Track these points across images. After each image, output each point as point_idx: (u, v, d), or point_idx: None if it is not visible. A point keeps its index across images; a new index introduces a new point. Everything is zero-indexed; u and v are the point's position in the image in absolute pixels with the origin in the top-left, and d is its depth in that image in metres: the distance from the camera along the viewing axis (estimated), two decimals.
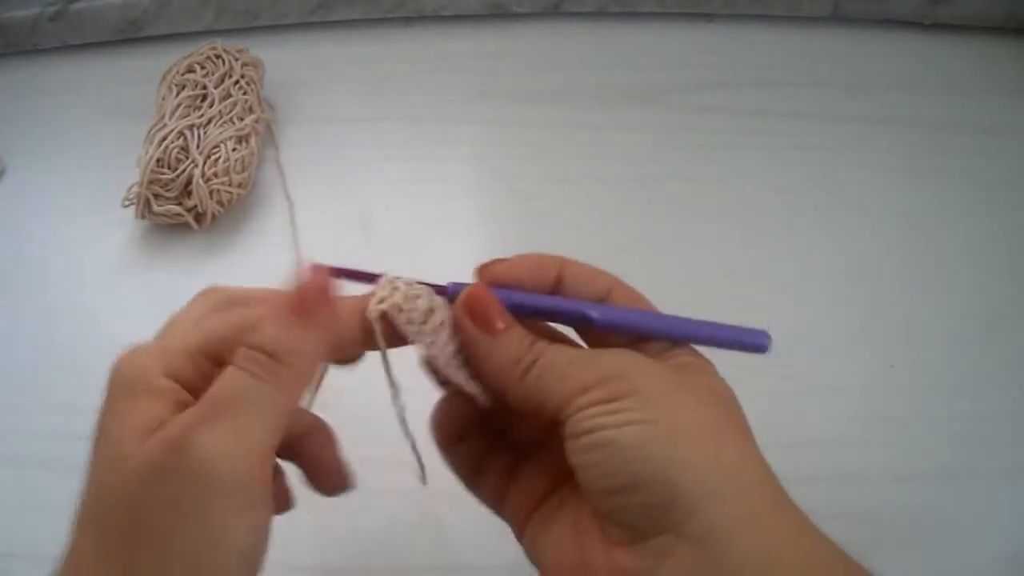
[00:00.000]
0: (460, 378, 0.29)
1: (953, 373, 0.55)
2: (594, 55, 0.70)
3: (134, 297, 0.58)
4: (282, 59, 0.69)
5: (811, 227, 0.62)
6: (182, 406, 0.26)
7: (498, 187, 0.63)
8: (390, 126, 0.65)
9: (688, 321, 0.29)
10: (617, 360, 0.27)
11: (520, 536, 0.32)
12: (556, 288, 0.30)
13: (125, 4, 0.67)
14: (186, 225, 0.59)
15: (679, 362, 0.29)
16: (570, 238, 0.61)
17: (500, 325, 0.28)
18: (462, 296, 0.29)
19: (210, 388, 0.26)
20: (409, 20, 0.74)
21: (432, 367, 0.31)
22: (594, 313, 0.29)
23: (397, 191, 0.63)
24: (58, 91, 0.68)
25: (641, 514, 0.25)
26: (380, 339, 0.29)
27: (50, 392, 0.54)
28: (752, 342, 0.29)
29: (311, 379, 0.28)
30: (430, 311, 0.29)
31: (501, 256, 0.31)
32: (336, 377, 0.55)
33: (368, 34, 0.73)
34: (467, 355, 0.29)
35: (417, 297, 0.29)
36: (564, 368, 0.27)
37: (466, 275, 0.63)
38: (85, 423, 0.55)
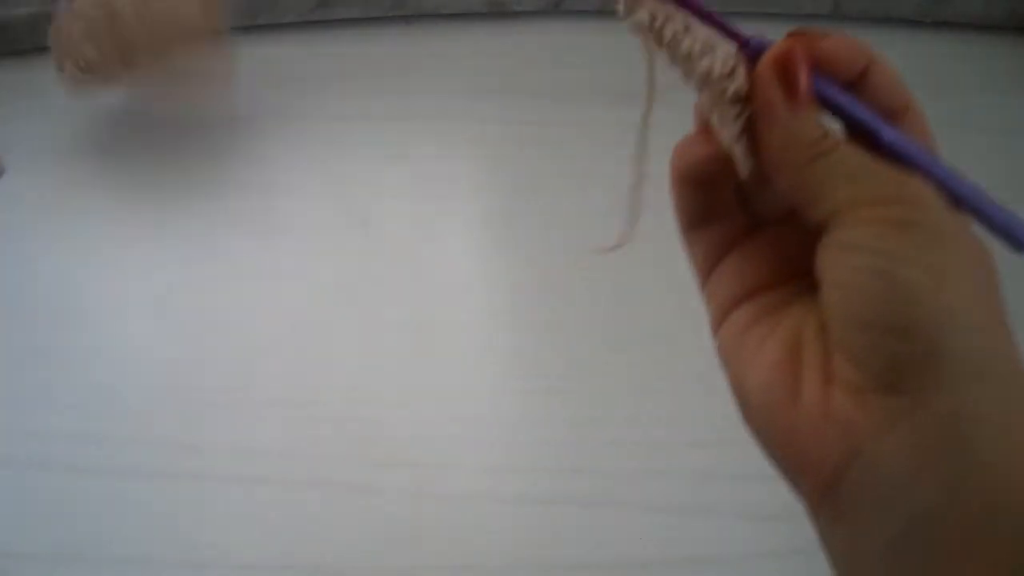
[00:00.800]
0: (731, 137, 0.26)
1: None
2: (595, 54, 0.70)
3: (133, 296, 0.58)
4: (282, 58, 0.69)
5: None
6: None
7: (498, 186, 0.63)
8: (390, 125, 0.65)
9: (968, 185, 0.25)
10: (918, 184, 0.24)
11: (716, 327, 0.28)
12: (856, 83, 0.26)
13: None
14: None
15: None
16: (569, 237, 0.61)
17: (806, 96, 0.25)
18: (776, 51, 0.26)
19: None
20: (409, 19, 0.74)
21: (703, 118, 0.29)
22: (886, 135, 0.25)
23: (397, 190, 0.63)
24: (58, 91, 0.68)
25: (893, 363, 0.22)
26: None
27: (50, 391, 0.54)
28: (1019, 234, 0.24)
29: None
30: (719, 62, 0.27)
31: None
32: (334, 376, 0.55)
33: (368, 33, 0.73)
34: (755, 118, 0.26)
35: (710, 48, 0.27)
36: (860, 168, 0.24)
37: (471, 279, 0.63)
38: (85, 423, 0.55)
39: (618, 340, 0.53)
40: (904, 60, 0.78)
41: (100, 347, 0.56)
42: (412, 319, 0.56)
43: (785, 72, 0.26)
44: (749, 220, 0.29)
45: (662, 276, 0.58)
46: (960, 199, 0.25)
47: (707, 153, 0.28)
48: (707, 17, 0.28)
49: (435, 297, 0.58)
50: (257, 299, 0.58)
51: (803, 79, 0.25)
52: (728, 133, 0.26)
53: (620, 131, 0.69)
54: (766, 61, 0.26)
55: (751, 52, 0.27)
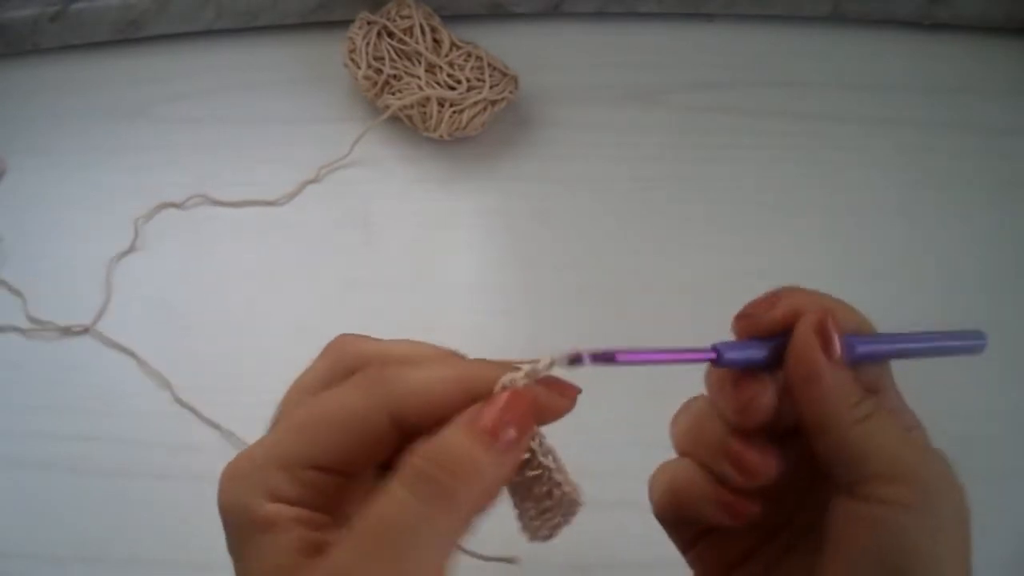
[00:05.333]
0: (529, 520, 0.27)
1: (954, 373, 0.55)
2: (594, 55, 0.70)
3: (133, 298, 0.58)
4: (282, 59, 0.69)
5: (811, 227, 0.62)
6: (308, 526, 0.23)
7: (498, 188, 0.63)
8: (390, 126, 0.65)
9: (917, 339, 0.29)
10: (935, 464, 0.26)
11: None
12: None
13: (125, 4, 0.67)
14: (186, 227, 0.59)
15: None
16: (569, 238, 0.61)
17: (842, 357, 0.26)
18: (814, 319, 0.26)
19: (368, 512, 0.22)
20: None
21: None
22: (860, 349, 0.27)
23: (397, 190, 0.63)
24: (58, 91, 0.68)
25: None
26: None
27: (50, 392, 0.54)
28: (971, 346, 0.29)
29: (485, 509, 0.24)
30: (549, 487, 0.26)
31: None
32: None
33: None
34: (793, 384, 0.27)
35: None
36: (895, 443, 0.26)
37: (470, 279, 0.62)
38: (86, 423, 0.55)
39: (619, 340, 0.53)
40: (903, 61, 0.79)
41: (101, 347, 0.56)
42: (411, 319, 0.56)
43: (825, 336, 0.26)
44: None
45: (664, 276, 0.59)
46: (917, 354, 0.28)
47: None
48: (663, 355, 0.27)
49: (435, 297, 0.58)
50: (257, 299, 0.58)
51: (839, 341, 0.26)
52: (527, 520, 0.27)
53: (620, 132, 0.69)
54: (807, 327, 0.26)
55: (725, 363, 0.27)
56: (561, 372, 0.26)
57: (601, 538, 0.46)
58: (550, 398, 0.26)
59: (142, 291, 0.58)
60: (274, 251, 0.60)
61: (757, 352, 0.27)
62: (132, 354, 0.55)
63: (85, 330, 0.56)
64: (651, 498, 0.30)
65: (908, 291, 0.58)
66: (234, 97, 0.67)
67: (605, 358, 0.25)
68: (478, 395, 0.24)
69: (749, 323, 0.28)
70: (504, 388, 0.25)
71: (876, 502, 0.25)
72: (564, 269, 0.60)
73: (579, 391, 0.26)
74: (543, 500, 0.27)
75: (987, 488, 0.50)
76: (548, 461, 0.26)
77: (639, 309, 0.57)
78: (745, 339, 0.28)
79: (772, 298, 0.28)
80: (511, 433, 0.23)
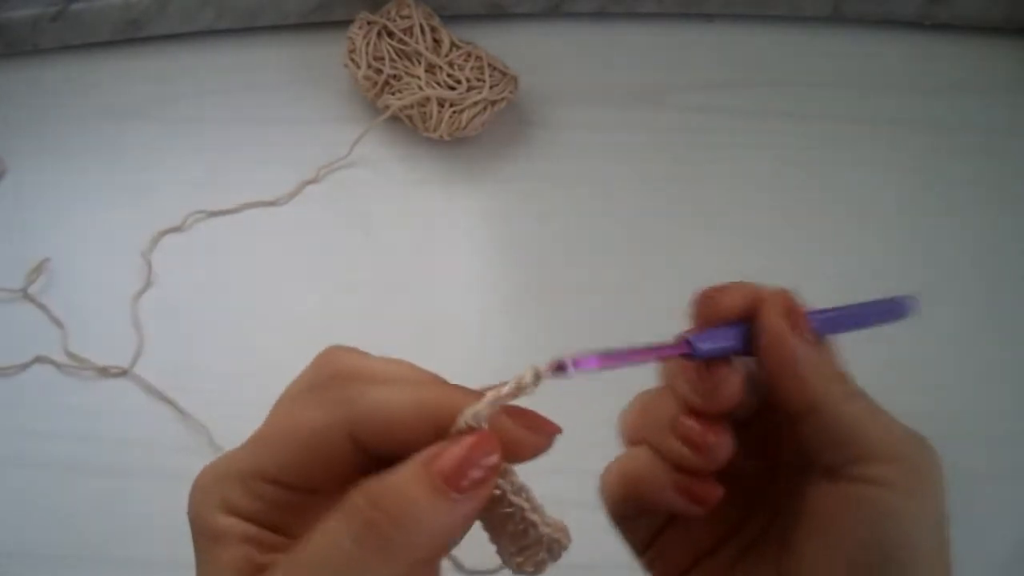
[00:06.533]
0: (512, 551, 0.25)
1: (954, 373, 0.55)
2: (594, 55, 0.70)
3: (132, 295, 0.58)
4: (282, 59, 0.69)
5: (811, 226, 0.62)
6: (258, 544, 0.22)
7: (498, 187, 0.63)
8: (390, 126, 0.65)
9: (837, 313, 0.29)
10: (926, 448, 0.26)
11: None
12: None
13: (125, 4, 0.67)
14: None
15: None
16: (569, 238, 0.61)
17: (816, 335, 0.26)
18: (785, 300, 0.27)
19: (306, 544, 0.21)
20: None
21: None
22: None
23: (397, 191, 0.63)
24: (58, 91, 0.68)
25: None
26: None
27: (50, 393, 0.54)
28: (900, 313, 0.29)
29: (436, 557, 0.22)
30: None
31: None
32: None
33: None
34: (773, 371, 0.26)
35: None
36: (887, 420, 0.26)
37: (470, 279, 0.62)
38: (85, 423, 0.55)
39: (619, 339, 0.53)
40: (903, 62, 0.79)
41: (100, 348, 0.56)
42: (411, 319, 0.56)
43: (795, 318, 0.26)
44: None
45: (664, 275, 0.59)
46: (839, 326, 0.28)
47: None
48: (640, 353, 0.26)
49: (435, 297, 0.58)
50: (258, 302, 0.58)
51: (807, 321, 0.26)
52: (509, 545, 0.25)
53: (620, 132, 0.69)
54: (774, 311, 0.26)
55: (699, 355, 0.26)
56: (543, 384, 0.25)
57: (601, 537, 0.46)
58: (523, 435, 0.23)
59: (146, 297, 0.58)
60: (273, 252, 0.60)
61: (728, 342, 0.26)
62: (135, 374, 0.55)
63: (112, 370, 0.56)
64: (603, 495, 0.29)
65: (907, 290, 0.58)
66: (234, 97, 0.67)
67: (581, 365, 0.24)
68: (440, 423, 0.22)
69: (710, 306, 0.27)
70: (468, 424, 0.22)
71: (864, 483, 0.25)
72: (564, 269, 0.60)
73: (558, 430, 0.24)
74: (519, 538, 0.25)
75: (987, 488, 0.51)
76: (520, 500, 0.24)
77: (639, 309, 0.57)
78: (709, 328, 0.27)
79: (719, 287, 0.28)
80: (470, 480, 0.21)
